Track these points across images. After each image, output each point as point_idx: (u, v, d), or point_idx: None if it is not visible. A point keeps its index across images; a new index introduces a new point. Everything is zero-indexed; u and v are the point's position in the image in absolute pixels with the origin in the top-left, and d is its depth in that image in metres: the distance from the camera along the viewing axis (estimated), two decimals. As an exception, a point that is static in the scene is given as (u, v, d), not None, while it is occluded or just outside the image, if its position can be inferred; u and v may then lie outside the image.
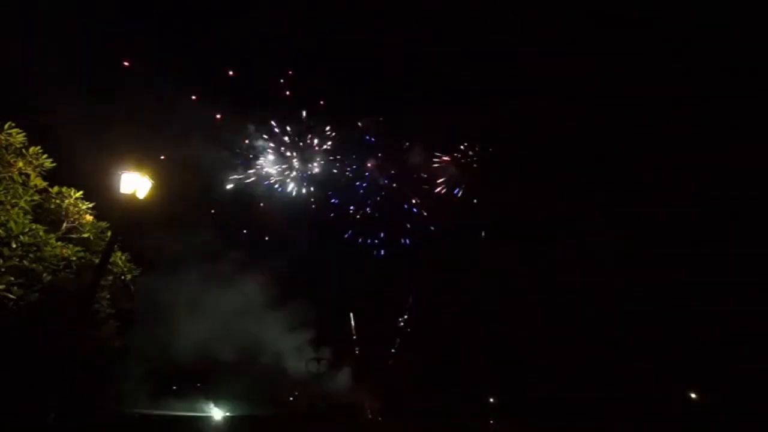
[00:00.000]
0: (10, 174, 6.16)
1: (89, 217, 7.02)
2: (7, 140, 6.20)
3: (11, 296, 5.24)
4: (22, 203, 5.98)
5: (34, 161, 6.42)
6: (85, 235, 6.83)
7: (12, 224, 5.53)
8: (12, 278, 5.34)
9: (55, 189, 6.73)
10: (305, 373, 41.37)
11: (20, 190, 6.11)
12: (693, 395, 25.00)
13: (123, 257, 7.10)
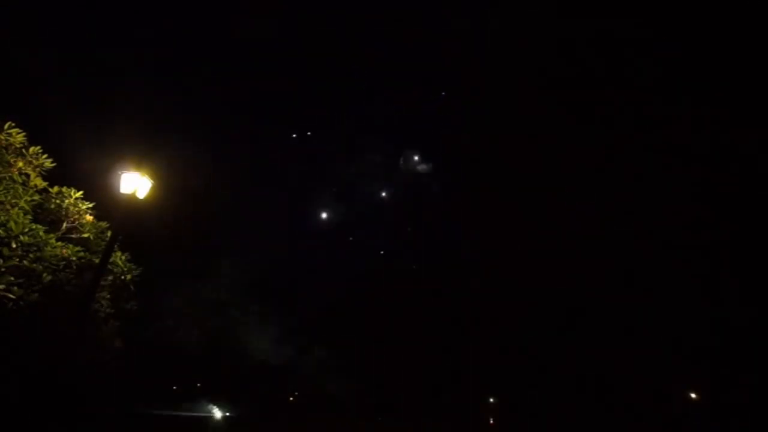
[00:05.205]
0: (10, 174, 6.16)
1: (89, 217, 7.01)
2: (7, 140, 6.19)
3: (11, 296, 5.24)
4: (22, 203, 5.98)
5: (34, 161, 6.42)
6: (85, 235, 6.82)
7: (12, 224, 5.52)
8: (12, 278, 5.33)
9: (55, 189, 6.73)
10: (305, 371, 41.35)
11: (20, 190, 6.11)
12: (693, 395, 24.99)
13: (123, 257, 7.09)
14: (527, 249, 33.63)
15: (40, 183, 6.51)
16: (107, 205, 7.10)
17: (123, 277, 6.99)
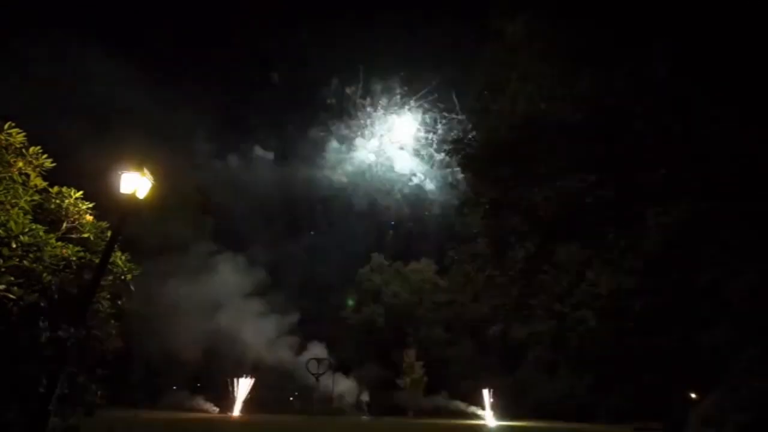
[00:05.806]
0: (10, 174, 6.15)
1: (89, 217, 7.00)
2: (7, 140, 6.19)
3: (11, 296, 5.23)
4: (22, 203, 5.97)
5: (34, 161, 6.41)
6: (85, 235, 6.80)
7: (12, 224, 5.52)
8: (12, 278, 5.33)
9: (55, 189, 6.71)
10: (306, 373, 41.33)
11: (20, 190, 6.10)
12: (693, 395, 24.96)
13: (123, 257, 7.08)
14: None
15: (40, 183, 6.50)
16: (107, 205, 7.10)
17: (123, 277, 6.98)
